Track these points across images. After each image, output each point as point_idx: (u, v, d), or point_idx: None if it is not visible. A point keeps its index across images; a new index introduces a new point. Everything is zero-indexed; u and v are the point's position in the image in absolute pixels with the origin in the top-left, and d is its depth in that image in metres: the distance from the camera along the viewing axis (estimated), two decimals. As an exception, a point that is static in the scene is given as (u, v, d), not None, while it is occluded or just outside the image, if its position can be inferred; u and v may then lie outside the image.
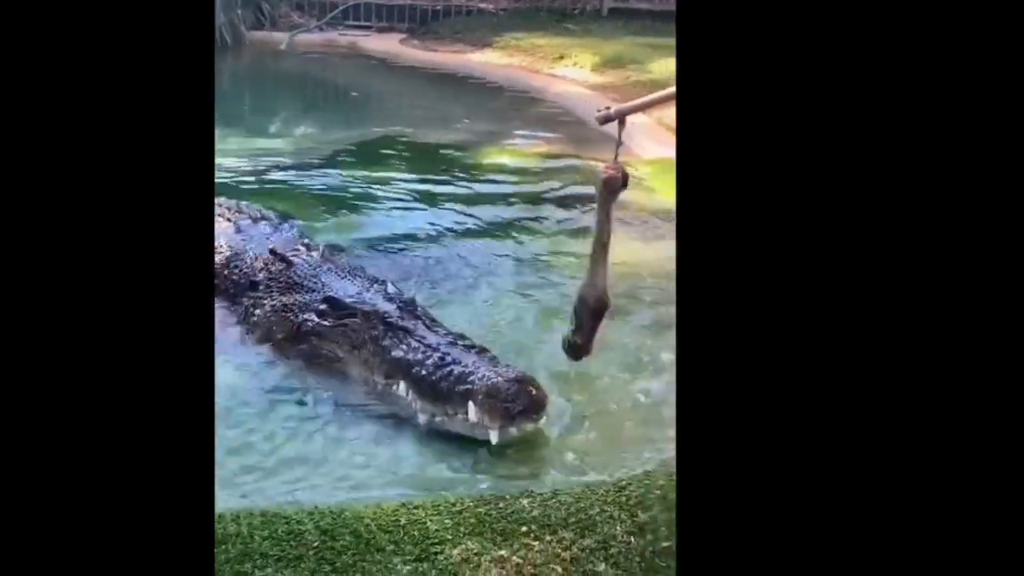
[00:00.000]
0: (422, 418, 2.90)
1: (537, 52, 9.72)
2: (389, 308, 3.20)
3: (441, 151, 6.22)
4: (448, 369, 2.87)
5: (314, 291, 3.42)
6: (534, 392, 2.78)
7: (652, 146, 6.06)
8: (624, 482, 2.33)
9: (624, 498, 2.23)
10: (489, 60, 9.86)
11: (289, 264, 3.64)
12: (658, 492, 2.24)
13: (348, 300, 3.29)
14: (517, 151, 6.10)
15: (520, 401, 2.72)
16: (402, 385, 2.96)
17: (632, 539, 2.05)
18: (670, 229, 4.37)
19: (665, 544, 2.01)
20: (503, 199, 5.11)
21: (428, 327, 3.14)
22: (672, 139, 6.27)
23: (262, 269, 3.69)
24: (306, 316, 3.33)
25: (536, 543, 2.02)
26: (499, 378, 2.75)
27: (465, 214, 4.97)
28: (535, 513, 2.15)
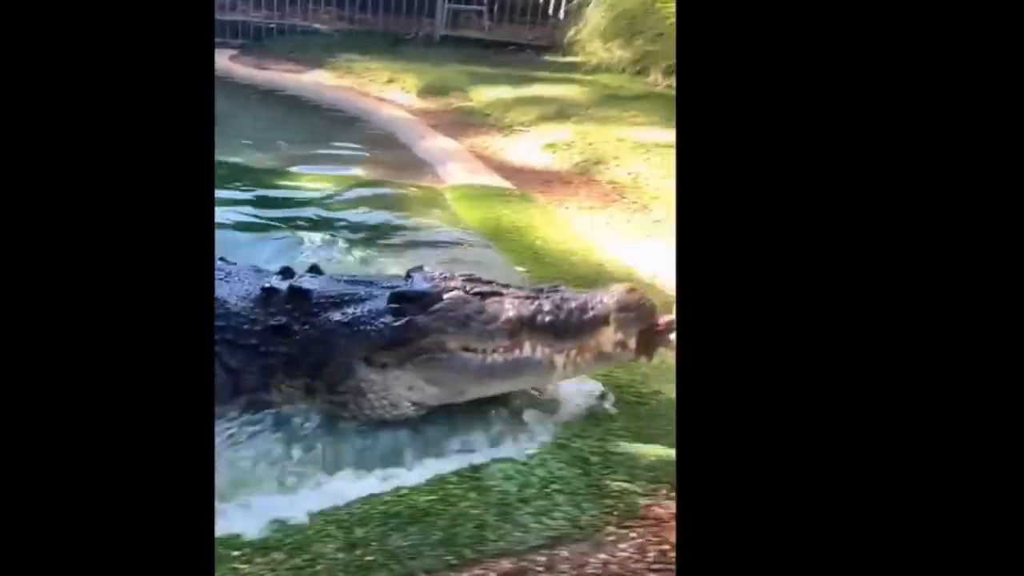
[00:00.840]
0: (559, 361, 2.84)
1: (368, 75, 9.92)
2: (459, 283, 2.99)
3: (247, 173, 6.20)
4: (568, 306, 2.85)
5: (366, 299, 3.01)
6: (645, 299, 2.88)
7: (461, 173, 6.33)
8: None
9: (343, 516, 2.41)
10: (321, 81, 9.91)
11: (303, 292, 3.04)
12: (381, 507, 2.42)
13: (420, 289, 2.98)
14: (323, 177, 6.19)
15: (646, 308, 2.84)
16: (526, 339, 2.84)
17: (341, 555, 2.22)
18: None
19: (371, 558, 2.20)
20: (291, 223, 5.13)
21: (507, 286, 3.05)
22: (482, 167, 6.60)
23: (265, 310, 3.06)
24: (380, 321, 2.90)
25: (246, 566, 2.16)
26: (618, 293, 2.84)
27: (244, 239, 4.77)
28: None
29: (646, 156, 6.63)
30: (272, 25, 11.63)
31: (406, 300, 2.92)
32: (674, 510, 2.44)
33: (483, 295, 2.94)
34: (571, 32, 10.42)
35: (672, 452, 2.73)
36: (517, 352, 2.85)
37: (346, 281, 3.12)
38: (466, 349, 2.86)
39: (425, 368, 2.86)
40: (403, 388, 2.87)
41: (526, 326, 2.83)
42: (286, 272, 3.20)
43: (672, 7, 8.48)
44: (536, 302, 2.88)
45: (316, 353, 2.88)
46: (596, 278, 4.14)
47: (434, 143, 7.32)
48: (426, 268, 3.21)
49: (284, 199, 5.69)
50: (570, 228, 5.29)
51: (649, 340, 2.86)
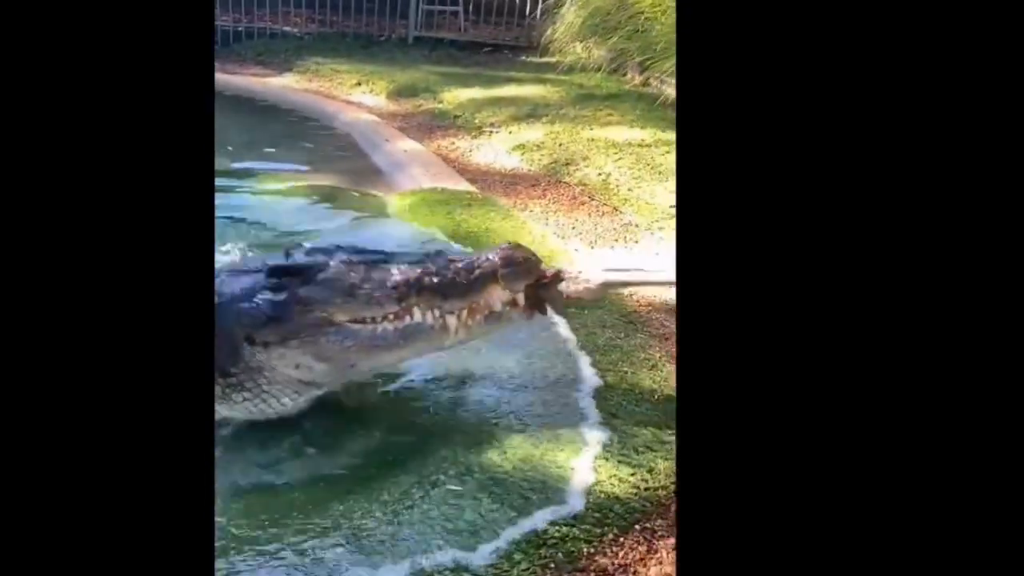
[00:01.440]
0: (451, 323, 2.75)
1: (336, 78, 9.62)
2: (342, 255, 2.89)
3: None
4: (454, 267, 2.76)
5: (242, 273, 2.89)
6: (530, 253, 2.84)
7: (422, 177, 6.00)
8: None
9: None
10: (288, 84, 9.59)
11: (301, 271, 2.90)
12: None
13: (301, 262, 2.87)
14: (269, 177, 5.87)
15: (530, 262, 2.78)
16: (414, 303, 2.75)
17: None
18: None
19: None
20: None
21: (392, 254, 2.94)
22: (446, 171, 6.28)
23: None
24: (260, 298, 2.79)
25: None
26: (503, 250, 2.78)
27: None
28: None
29: (618, 156, 6.32)
30: (240, 28, 11.32)
31: (286, 274, 2.79)
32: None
33: (367, 264, 2.82)
34: (547, 32, 10.10)
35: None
36: (407, 319, 2.75)
37: (227, 270, 2.97)
38: (354, 321, 2.75)
39: (311, 344, 2.73)
40: (289, 367, 2.75)
41: (413, 289, 2.73)
42: None
43: (646, 3, 8.20)
44: (422, 266, 2.78)
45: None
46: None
47: (396, 146, 7.00)
48: (305, 244, 3.05)
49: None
50: (533, 232, 4.97)
51: (539, 295, 2.82)
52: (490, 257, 2.77)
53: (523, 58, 10.98)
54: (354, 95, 9.09)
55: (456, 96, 8.53)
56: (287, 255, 2.92)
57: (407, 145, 7.05)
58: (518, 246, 2.84)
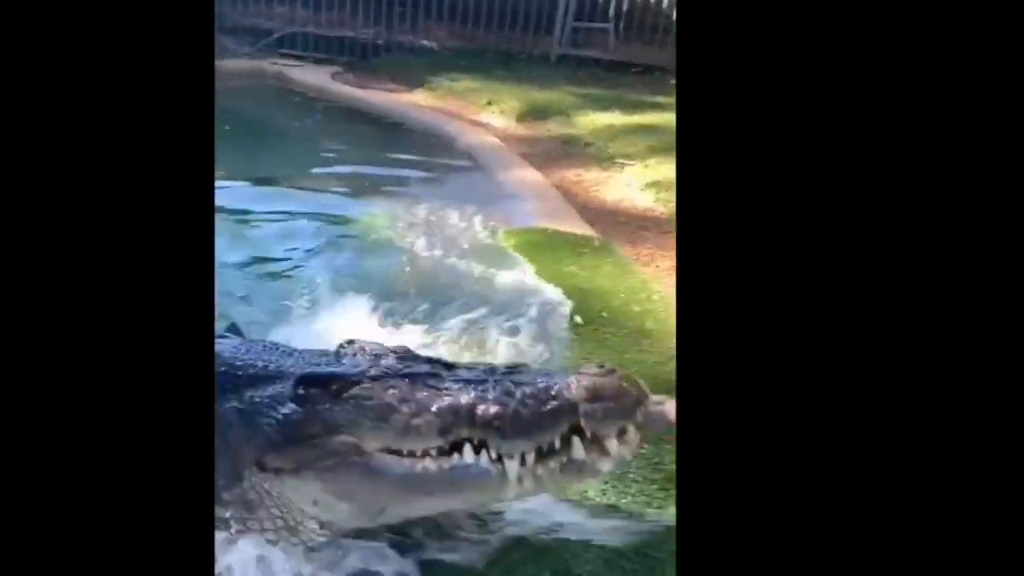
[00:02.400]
0: (511, 468, 2.07)
1: (469, 96, 9.01)
2: (391, 361, 2.30)
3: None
4: (519, 391, 2.09)
5: (275, 378, 2.33)
6: (629, 379, 2.09)
7: (539, 216, 5.12)
8: None
9: None
10: (418, 101, 9.07)
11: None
12: None
13: (336, 370, 2.29)
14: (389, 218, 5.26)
15: (630, 395, 2.05)
16: (465, 437, 2.10)
17: None
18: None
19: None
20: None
21: (449, 365, 2.32)
22: (563, 208, 5.38)
23: None
24: (280, 411, 2.22)
25: None
26: (589, 377, 2.06)
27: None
28: None
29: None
30: (380, 42, 10.96)
31: (314, 384, 2.21)
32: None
33: (413, 377, 2.21)
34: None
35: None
36: (456, 457, 2.11)
37: (263, 347, 2.48)
38: (389, 452, 2.15)
39: (333, 476, 2.15)
40: (305, 502, 2.18)
41: (464, 419, 2.10)
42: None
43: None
44: (480, 387, 2.13)
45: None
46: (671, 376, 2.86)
47: (514, 174, 6.17)
48: (360, 340, 2.48)
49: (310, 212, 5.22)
50: (654, 297, 3.95)
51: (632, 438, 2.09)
52: (572, 385, 2.05)
53: (674, 81, 9.93)
54: (482, 115, 8.40)
55: (592, 121, 7.63)
56: (338, 351, 2.40)
57: (526, 174, 6.22)
58: (611, 371, 2.09)
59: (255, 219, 5.18)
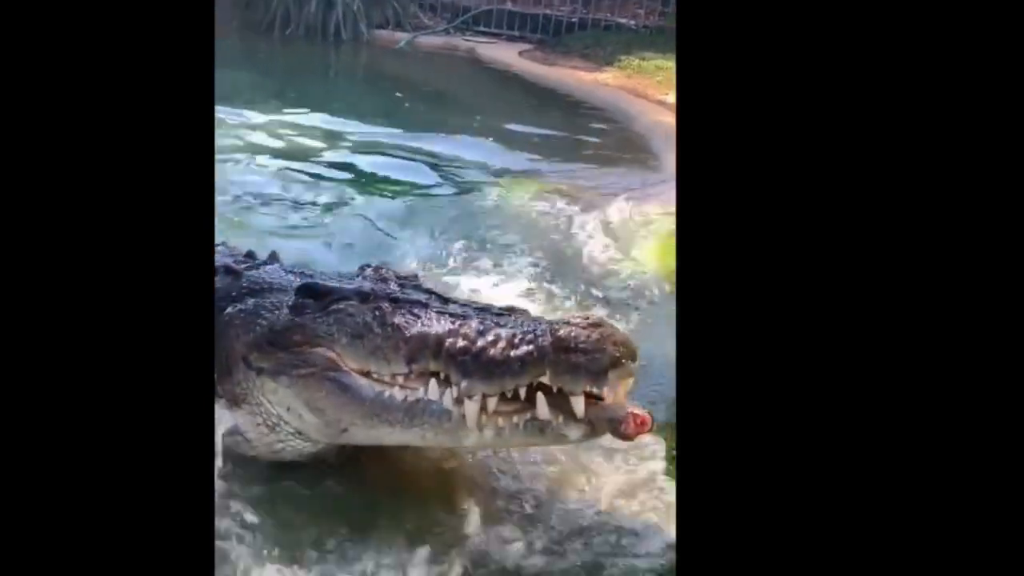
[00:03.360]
0: (470, 411, 1.99)
1: (658, 75, 8.42)
2: (391, 286, 2.33)
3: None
4: (494, 333, 2.00)
5: (283, 290, 2.45)
6: (617, 337, 1.92)
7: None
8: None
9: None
10: (605, 80, 8.62)
11: (233, 273, 2.59)
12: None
13: (333, 284, 2.37)
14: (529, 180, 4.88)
15: (607, 352, 1.87)
16: (432, 371, 2.07)
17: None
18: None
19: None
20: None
21: (445, 299, 2.30)
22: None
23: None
24: (274, 316, 2.31)
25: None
26: (571, 326, 1.92)
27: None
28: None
29: None
30: (575, 19, 10.60)
31: (309, 295, 2.29)
32: None
33: (401, 303, 2.20)
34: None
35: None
36: (421, 391, 2.09)
37: (288, 270, 2.57)
38: (366, 374, 2.16)
39: (305, 385, 2.19)
40: (281, 406, 2.24)
41: (431, 349, 2.06)
42: (250, 255, 2.72)
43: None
44: (459, 322, 2.08)
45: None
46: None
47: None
48: (385, 266, 2.55)
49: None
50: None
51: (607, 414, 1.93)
52: (542, 331, 1.92)
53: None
54: (669, 96, 7.79)
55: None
56: (361, 272, 2.45)
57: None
58: (596, 324, 1.92)
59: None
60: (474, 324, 2.03)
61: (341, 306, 2.21)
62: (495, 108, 7.42)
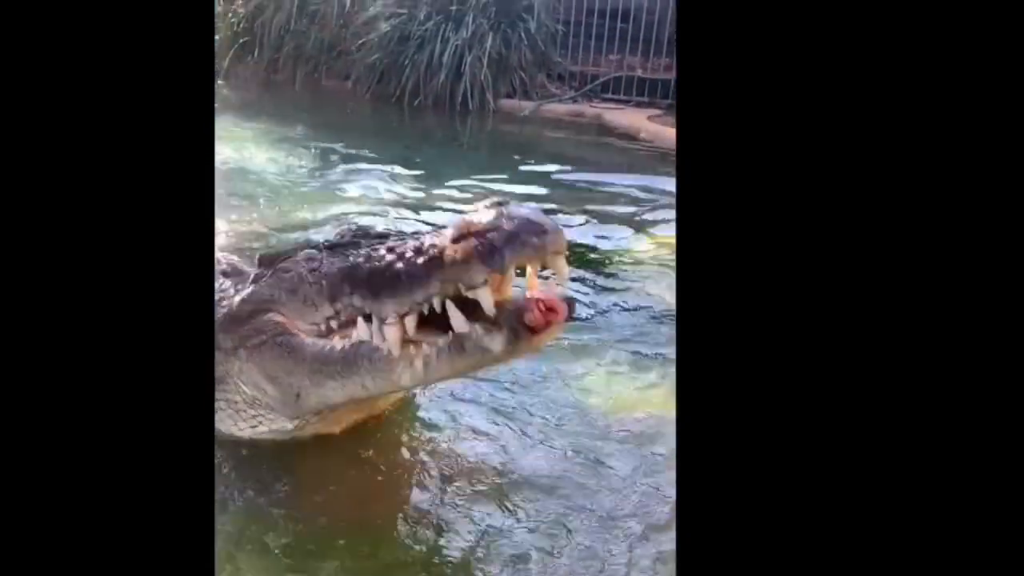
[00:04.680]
0: (390, 336, 1.89)
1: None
2: (340, 238, 2.22)
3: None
4: (401, 248, 1.92)
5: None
6: (545, 226, 1.71)
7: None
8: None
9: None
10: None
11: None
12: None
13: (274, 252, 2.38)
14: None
15: (503, 228, 1.70)
16: (352, 302, 1.98)
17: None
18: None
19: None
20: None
21: (384, 234, 2.19)
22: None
23: None
24: (240, 292, 2.27)
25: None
26: (462, 221, 1.79)
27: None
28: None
29: None
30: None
31: (265, 264, 2.26)
32: None
33: (336, 248, 2.10)
34: None
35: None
36: (354, 334, 1.99)
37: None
38: (313, 332, 2.07)
39: (259, 355, 2.13)
40: (248, 383, 2.20)
41: (346, 280, 1.97)
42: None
43: None
44: (375, 248, 1.98)
45: None
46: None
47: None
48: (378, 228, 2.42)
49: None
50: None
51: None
52: (442, 232, 1.83)
53: None
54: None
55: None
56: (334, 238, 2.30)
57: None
58: (498, 203, 1.75)
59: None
60: (386, 246, 1.94)
61: (282, 265, 2.16)
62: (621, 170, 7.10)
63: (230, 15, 12.42)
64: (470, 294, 1.76)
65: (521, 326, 1.74)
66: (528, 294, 1.79)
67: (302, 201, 5.49)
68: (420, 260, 1.82)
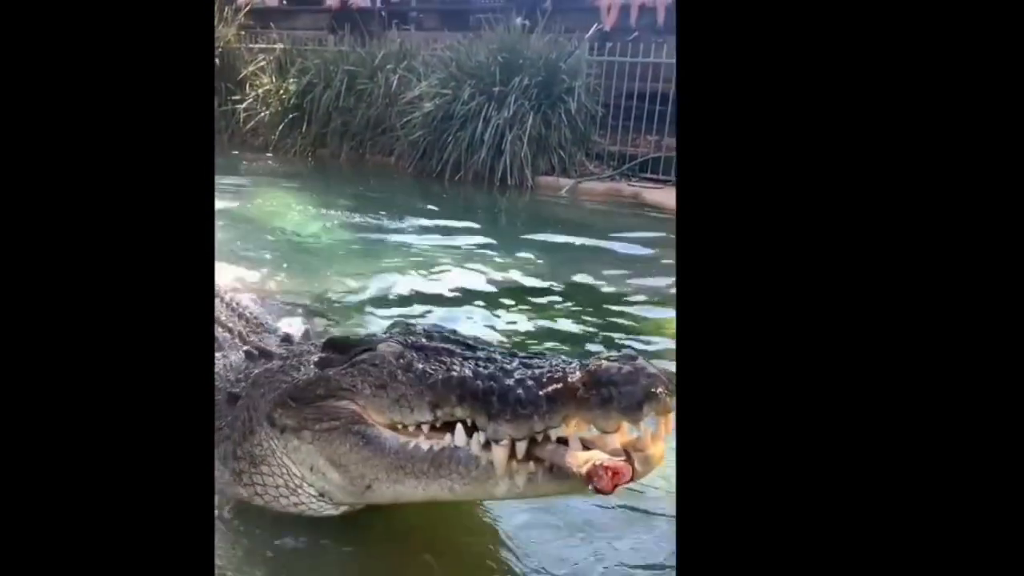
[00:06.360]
0: (498, 456, 1.86)
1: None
2: (418, 338, 2.21)
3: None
4: (521, 373, 1.89)
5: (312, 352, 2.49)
6: (651, 370, 1.74)
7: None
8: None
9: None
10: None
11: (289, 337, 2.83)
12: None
13: (353, 337, 2.38)
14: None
15: (639, 384, 1.71)
16: (458, 417, 1.95)
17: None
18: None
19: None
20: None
21: (473, 346, 2.18)
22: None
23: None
24: (300, 371, 2.29)
25: None
26: (603, 361, 1.77)
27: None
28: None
29: None
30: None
31: (336, 348, 2.27)
32: None
33: (426, 350, 2.09)
34: None
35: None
36: (448, 438, 1.96)
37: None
38: (392, 428, 2.05)
39: (329, 440, 2.10)
40: (304, 465, 2.16)
41: (454, 393, 1.91)
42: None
43: None
44: (480, 363, 1.98)
45: (239, 409, 2.31)
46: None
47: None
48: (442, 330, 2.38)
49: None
50: None
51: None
52: (572, 368, 1.80)
53: None
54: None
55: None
56: (389, 330, 2.39)
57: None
58: (631, 358, 1.75)
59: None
60: (501, 366, 1.92)
61: (365, 356, 2.13)
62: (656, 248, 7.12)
63: (282, 91, 12.95)
64: (590, 436, 1.83)
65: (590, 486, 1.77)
66: (597, 460, 1.77)
67: (343, 264, 5.61)
68: (547, 392, 1.79)
